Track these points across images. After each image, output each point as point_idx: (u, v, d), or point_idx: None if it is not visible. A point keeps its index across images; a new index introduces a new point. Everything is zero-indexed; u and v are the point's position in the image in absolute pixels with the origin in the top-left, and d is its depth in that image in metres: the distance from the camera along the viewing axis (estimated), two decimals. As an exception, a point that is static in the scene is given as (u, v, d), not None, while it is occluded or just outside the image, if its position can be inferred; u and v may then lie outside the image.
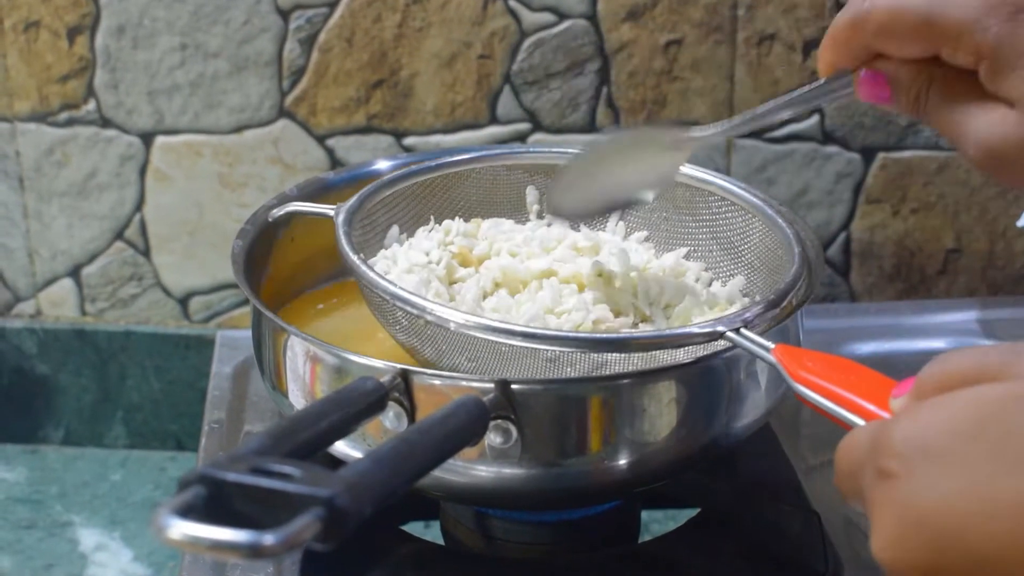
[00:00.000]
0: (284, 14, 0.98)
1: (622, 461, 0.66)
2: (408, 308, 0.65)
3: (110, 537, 0.99)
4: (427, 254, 0.73)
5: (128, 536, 0.99)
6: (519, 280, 0.72)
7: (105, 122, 1.01)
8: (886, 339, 0.94)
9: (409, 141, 1.02)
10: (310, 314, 0.80)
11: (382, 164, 0.83)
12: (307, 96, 1.00)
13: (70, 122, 1.01)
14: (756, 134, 1.00)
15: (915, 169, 1.01)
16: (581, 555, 0.74)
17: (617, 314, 0.70)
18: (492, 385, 0.62)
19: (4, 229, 1.04)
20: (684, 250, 0.77)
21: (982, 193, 1.01)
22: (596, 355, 0.64)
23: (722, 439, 0.68)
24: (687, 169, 0.76)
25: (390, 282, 0.66)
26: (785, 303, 0.67)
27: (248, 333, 0.76)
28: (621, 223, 0.79)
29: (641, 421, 0.65)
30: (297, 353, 0.69)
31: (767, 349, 0.60)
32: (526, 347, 0.63)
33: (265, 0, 0.98)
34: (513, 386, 0.63)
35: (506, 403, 0.63)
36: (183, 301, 1.06)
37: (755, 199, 0.75)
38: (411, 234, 0.77)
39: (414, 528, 0.77)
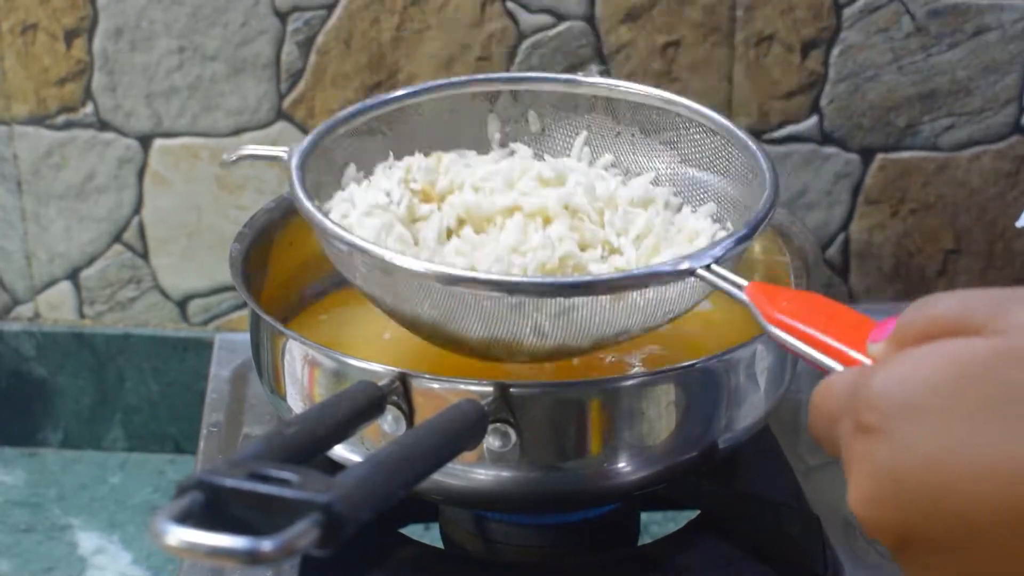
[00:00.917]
0: (282, 16, 0.98)
1: (621, 464, 0.66)
2: (366, 257, 0.62)
3: (109, 540, 0.99)
4: (388, 194, 0.70)
5: (127, 539, 0.99)
6: (483, 217, 0.69)
7: (103, 125, 1.01)
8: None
9: (407, 143, 1.02)
10: (312, 324, 0.80)
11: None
12: (305, 98, 1.00)
13: (68, 125, 1.01)
14: (755, 134, 1.00)
15: (914, 170, 1.01)
16: (580, 558, 0.74)
17: (584, 248, 0.67)
18: (491, 388, 0.62)
19: (2, 232, 1.04)
20: (651, 175, 0.74)
21: (981, 193, 1.01)
22: (563, 299, 0.61)
23: (721, 442, 0.68)
24: (653, 90, 0.74)
25: (346, 230, 0.64)
26: (756, 235, 0.64)
27: (247, 336, 0.76)
28: (586, 148, 0.76)
29: (640, 424, 0.65)
30: (295, 357, 0.69)
31: (740, 287, 0.57)
32: (488, 294, 0.61)
33: (263, 2, 0.97)
34: (512, 389, 0.62)
35: (505, 406, 0.62)
36: (182, 304, 1.06)
37: (723, 120, 0.72)
38: (370, 173, 0.73)
39: (413, 531, 0.77)
